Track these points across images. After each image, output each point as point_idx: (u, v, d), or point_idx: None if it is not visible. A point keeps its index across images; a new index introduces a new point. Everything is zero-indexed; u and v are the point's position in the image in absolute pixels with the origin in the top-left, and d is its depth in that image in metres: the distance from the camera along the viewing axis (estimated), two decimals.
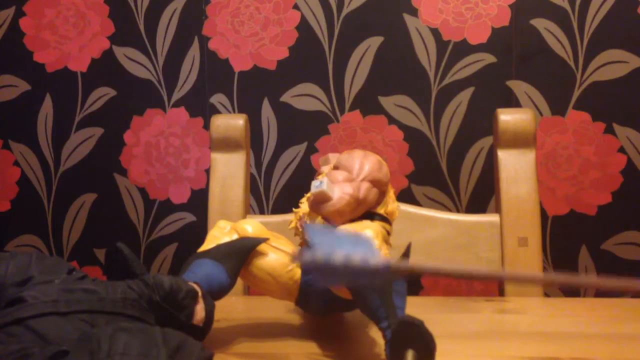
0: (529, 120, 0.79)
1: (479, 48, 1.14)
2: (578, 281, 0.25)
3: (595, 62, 1.12)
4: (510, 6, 1.13)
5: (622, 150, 1.12)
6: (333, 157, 0.55)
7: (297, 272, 0.50)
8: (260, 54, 1.20)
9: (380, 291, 0.43)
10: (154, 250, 1.25)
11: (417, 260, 0.78)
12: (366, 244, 0.29)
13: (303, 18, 1.18)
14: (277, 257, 0.50)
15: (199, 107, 1.22)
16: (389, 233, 0.52)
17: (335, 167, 0.53)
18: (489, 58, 1.14)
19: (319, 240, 0.28)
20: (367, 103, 1.17)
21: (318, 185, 0.48)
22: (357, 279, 0.28)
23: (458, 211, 1.16)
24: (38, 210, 1.27)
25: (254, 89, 1.20)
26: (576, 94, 1.13)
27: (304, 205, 0.53)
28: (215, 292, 0.47)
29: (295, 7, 1.18)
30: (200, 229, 1.23)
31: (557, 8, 1.12)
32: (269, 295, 0.51)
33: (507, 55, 1.14)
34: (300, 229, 0.53)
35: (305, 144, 1.20)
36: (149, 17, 1.22)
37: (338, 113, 1.18)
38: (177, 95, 1.23)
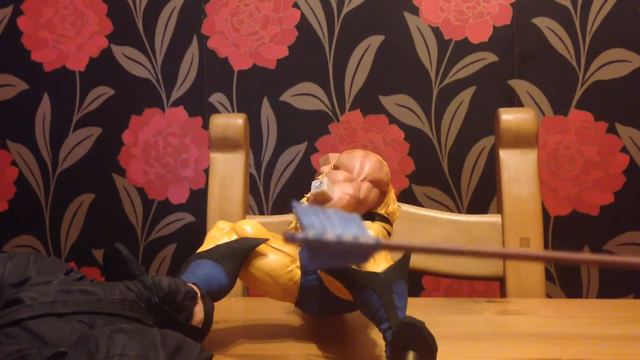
0: (531, 120, 0.78)
1: (481, 47, 1.14)
2: (577, 258, 0.25)
3: (598, 61, 1.11)
4: (512, 5, 1.13)
5: (624, 150, 1.12)
6: (333, 157, 0.54)
7: (297, 273, 0.50)
8: (260, 53, 1.19)
9: (380, 292, 0.42)
10: (153, 251, 1.25)
11: (418, 261, 0.77)
12: (355, 222, 0.29)
13: (303, 17, 1.18)
14: (277, 257, 0.49)
15: (198, 106, 1.22)
16: (389, 234, 0.51)
17: (336, 167, 0.52)
18: (491, 57, 1.14)
19: (310, 221, 0.27)
20: (368, 102, 1.17)
21: (318, 185, 0.48)
22: (350, 258, 0.28)
23: (459, 211, 1.16)
24: (36, 210, 1.26)
25: (253, 88, 1.20)
26: (578, 93, 1.12)
27: None
28: (215, 293, 0.47)
29: (295, 5, 1.18)
30: (199, 230, 1.22)
31: (559, 7, 1.12)
32: (269, 296, 0.51)
33: (509, 54, 1.13)
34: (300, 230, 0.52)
35: (305, 144, 1.19)
36: (148, 16, 1.22)
37: (338, 112, 1.18)
38: (176, 95, 1.22)
